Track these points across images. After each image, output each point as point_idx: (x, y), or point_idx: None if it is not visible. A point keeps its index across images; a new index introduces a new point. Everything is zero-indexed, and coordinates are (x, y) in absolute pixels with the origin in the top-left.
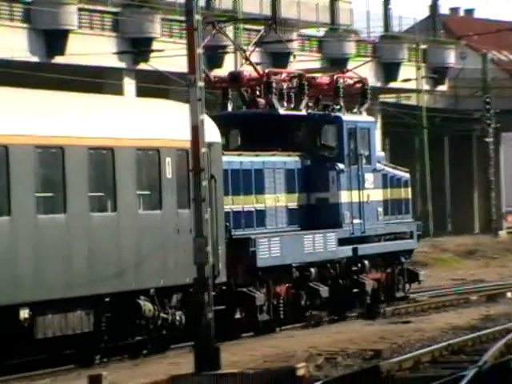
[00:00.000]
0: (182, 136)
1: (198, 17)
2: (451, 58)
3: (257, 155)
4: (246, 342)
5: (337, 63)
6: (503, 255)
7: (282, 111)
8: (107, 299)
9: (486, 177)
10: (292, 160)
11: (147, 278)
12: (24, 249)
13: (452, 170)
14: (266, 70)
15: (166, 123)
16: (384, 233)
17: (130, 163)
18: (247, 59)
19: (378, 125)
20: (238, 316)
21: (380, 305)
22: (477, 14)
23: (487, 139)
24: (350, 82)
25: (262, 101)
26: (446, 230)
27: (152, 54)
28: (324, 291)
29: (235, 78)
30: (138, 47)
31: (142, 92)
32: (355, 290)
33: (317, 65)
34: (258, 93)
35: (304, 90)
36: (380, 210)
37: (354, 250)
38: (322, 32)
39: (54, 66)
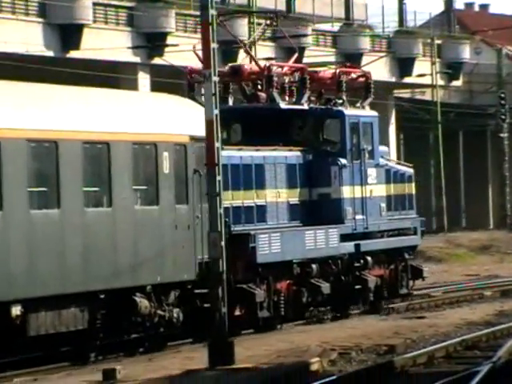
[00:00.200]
0: (180, 130)
1: (212, 11)
2: (466, 53)
3: (257, 150)
4: (259, 337)
5: (351, 58)
6: None
7: (283, 105)
8: (102, 296)
9: (501, 172)
10: (293, 155)
11: (143, 274)
12: (16, 245)
13: (466, 165)
14: (267, 64)
15: (164, 117)
16: (387, 229)
17: (127, 158)
18: (248, 53)
19: (393, 120)
20: (237, 313)
21: (384, 301)
22: (492, 9)
23: (502, 134)
24: (353, 76)
25: (263, 95)
26: (461, 225)
27: (166, 49)
28: (325, 288)
29: (236, 71)
30: (152, 42)
31: (156, 86)
32: (358, 287)
33: (331, 60)
34: (259, 87)
35: (306, 84)
36: (383, 205)
37: (357, 246)
38: (336, 27)
39: (69, 60)
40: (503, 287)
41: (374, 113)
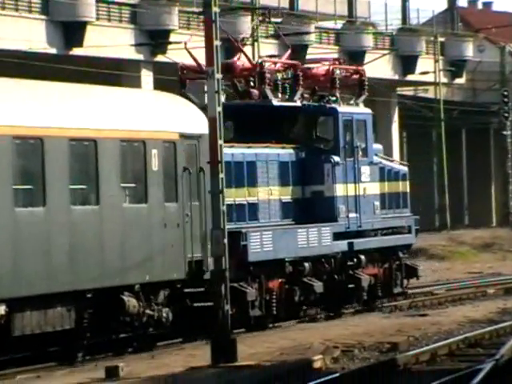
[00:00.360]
0: (169, 127)
1: (215, 9)
2: (469, 50)
3: (249, 147)
4: (262, 335)
5: (354, 56)
6: None
7: (275, 102)
8: (89, 295)
9: (504, 170)
10: (286, 152)
11: (132, 273)
12: (1, 243)
13: (469, 163)
14: (259, 60)
15: (153, 114)
16: (381, 227)
17: (114, 155)
18: (240, 50)
19: (396, 117)
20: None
21: (385, 299)
22: (495, 7)
23: (505, 132)
24: (347, 73)
25: (255, 92)
26: (463, 223)
27: (169, 46)
28: (318, 287)
29: (228, 68)
30: (155, 39)
31: (159, 84)
32: (351, 286)
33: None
34: (251, 83)
35: (299, 81)
36: (377, 203)
37: (350, 245)
38: (339, 24)
39: (72, 57)
40: (506, 285)
41: (368, 110)
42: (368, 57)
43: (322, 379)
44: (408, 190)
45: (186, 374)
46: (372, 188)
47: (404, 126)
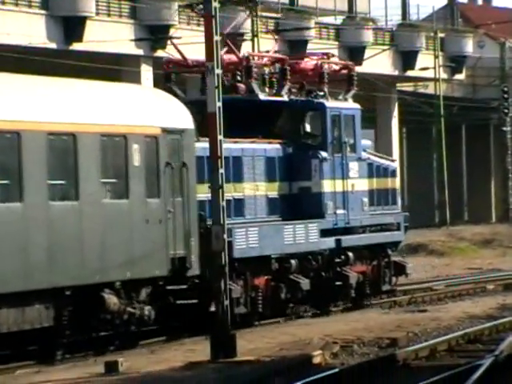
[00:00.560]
0: (151, 122)
1: (215, 4)
2: (469, 46)
3: (235, 142)
4: (262, 330)
5: (354, 51)
6: None
7: (262, 97)
8: (68, 292)
9: (503, 166)
10: (273, 147)
11: (112, 270)
12: None
13: (469, 159)
14: (246, 54)
15: (135, 109)
16: (369, 224)
17: (94, 150)
18: (226, 43)
19: (395, 113)
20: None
21: (367, 298)
22: (495, 3)
23: (504, 128)
24: (336, 67)
25: (242, 86)
26: (463, 218)
27: (169, 41)
28: (305, 284)
29: None
30: (155, 34)
31: (159, 79)
32: (338, 283)
33: (334, 53)
34: (238, 78)
35: (286, 75)
36: (365, 200)
37: (338, 242)
38: (339, 20)
39: (72, 52)
40: (505, 281)
41: (357, 105)
42: (368, 52)
43: (322, 374)
44: (397, 186)
45: (186, 369)
46: (360, 184)
47: (404, 121)
